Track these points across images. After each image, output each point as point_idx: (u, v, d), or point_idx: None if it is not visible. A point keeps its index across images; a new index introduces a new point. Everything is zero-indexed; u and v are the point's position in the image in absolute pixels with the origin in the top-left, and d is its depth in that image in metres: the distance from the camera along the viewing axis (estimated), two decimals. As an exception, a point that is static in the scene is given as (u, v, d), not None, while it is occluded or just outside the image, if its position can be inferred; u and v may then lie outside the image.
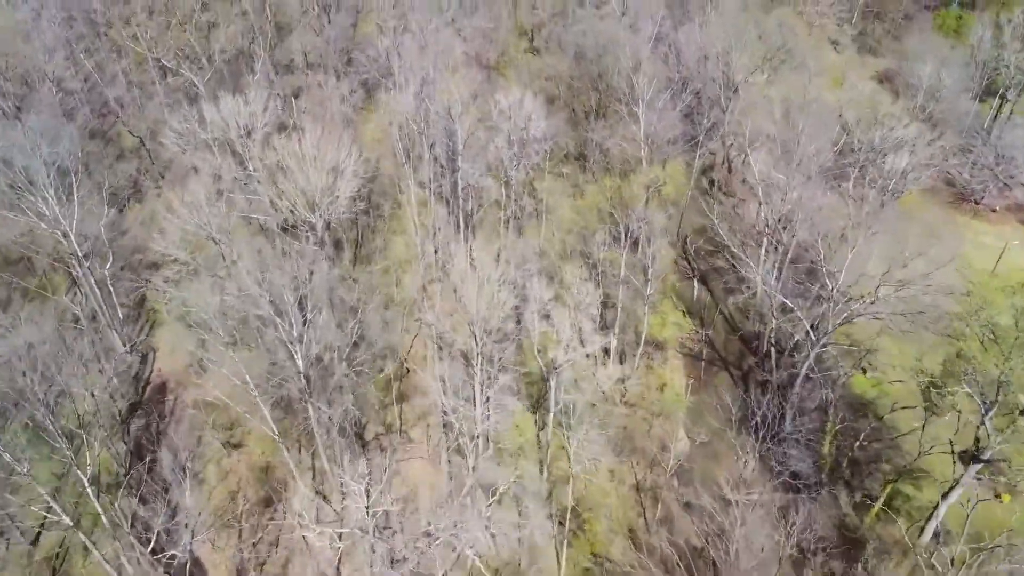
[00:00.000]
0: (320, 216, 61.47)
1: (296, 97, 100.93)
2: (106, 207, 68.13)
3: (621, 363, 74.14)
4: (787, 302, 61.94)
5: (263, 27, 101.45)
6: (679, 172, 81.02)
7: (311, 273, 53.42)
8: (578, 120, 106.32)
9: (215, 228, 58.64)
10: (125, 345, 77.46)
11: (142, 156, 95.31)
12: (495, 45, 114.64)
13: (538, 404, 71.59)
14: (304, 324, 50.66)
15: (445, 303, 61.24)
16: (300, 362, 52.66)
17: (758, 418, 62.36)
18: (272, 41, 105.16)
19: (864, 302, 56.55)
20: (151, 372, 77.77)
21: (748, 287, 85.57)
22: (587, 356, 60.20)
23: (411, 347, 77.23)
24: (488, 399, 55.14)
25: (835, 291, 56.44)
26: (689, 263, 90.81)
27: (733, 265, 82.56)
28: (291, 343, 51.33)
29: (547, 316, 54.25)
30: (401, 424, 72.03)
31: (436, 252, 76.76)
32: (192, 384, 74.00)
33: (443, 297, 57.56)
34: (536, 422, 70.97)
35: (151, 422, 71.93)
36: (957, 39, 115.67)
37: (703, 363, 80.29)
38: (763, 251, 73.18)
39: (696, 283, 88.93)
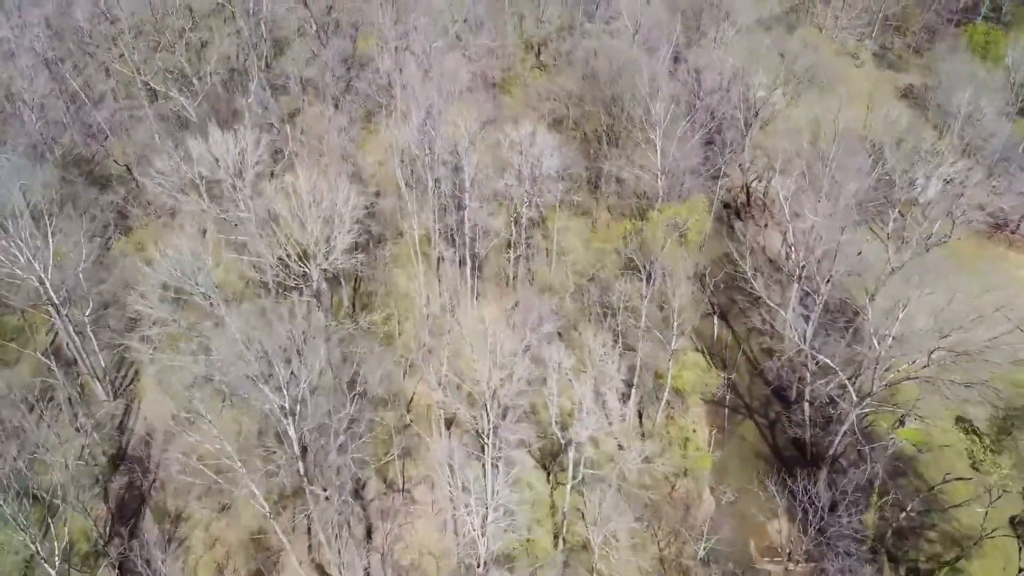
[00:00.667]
0: (316, 266, 56.33)
1: (293, 117, 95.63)
2: (84, 252, 62.83)
3: (640, 417, 68.96)
4: (826, 361, 56.63)
5: (258, 45, 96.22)
6: (699, 202, 75.74)
7: (304, 338, 48.20)
8: (589, 142, 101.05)
9: (199, 282, 53.52)
10: (108, 393, 72.34)
11: (129, 182, 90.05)
12: (501, 60, 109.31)
13: (551, 458, 66.43)
14: (298, 402, 45.53)
15: (453, 360, 55.94)
16: (294, 437, 47.47)
17: (798, 498, 56.91)
18: (268, 59, 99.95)
19: (914, 363, 51.30)
20: (136, 421, 72.64)
21: (772, 326, 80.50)
22: (610, 424, 54.99)
23: (413, 396, 72.20)
24: (498, 470, 49.90)
25: (880, 352, 51.14)
26: (708, 298, 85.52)
27: (756, 299, 77.43)
28: (284, 418, 46.15)
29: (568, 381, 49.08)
30: (404, 482, 66.86)
31: (442, 295, 71.61)
32: (179, 436, 68.95)
33: (449, 360, 52.46)
34: (549, 480, 65.77)
35: (135, 479, 66.78)
36: (985, 55, 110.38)
37: (727, 410, 75.18)
38: (793, 296, 67.84)
39: (716, 319, 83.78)
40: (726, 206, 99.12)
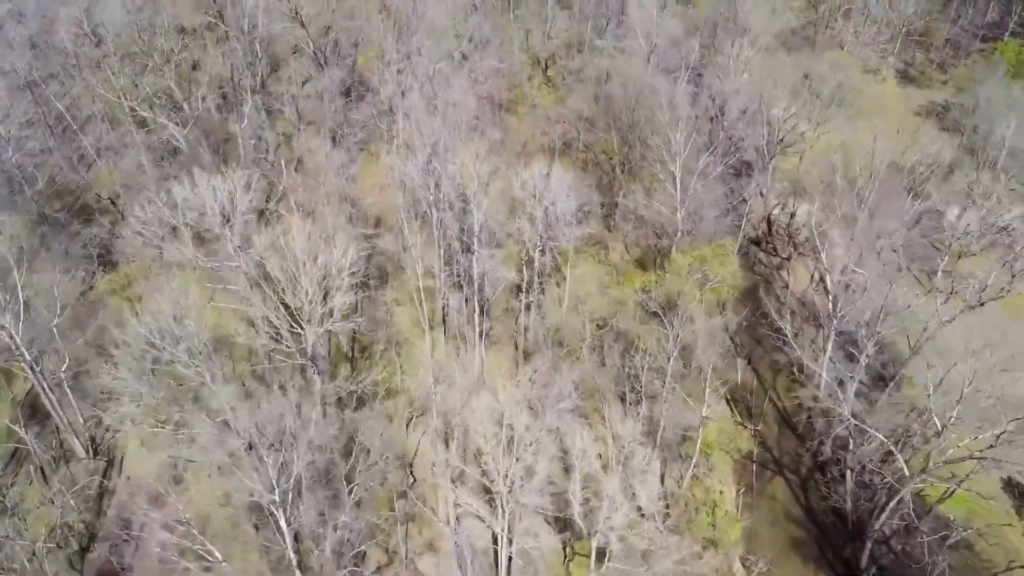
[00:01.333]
0: (311, 330, 50.99)
1: (289, 140, 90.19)
2: (58, 305, 57.55)
3: (662, 479, 63.66)
4: (874, 432, 51.26)
5: (253, 64, 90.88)
6: (726, 245, 70.31)
7: (298, 412, 42.89)
8: (601, 168, 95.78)
9: (181, 351, 48.28)
10: (87, 451, 67.05)
11: (115, 214, 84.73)
12: (507, 78, 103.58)
13: (565, 524, 61.15)
14: (288, 493, 40.28)
15: (463, 429, 50.71)
16: (285, 530, 42.17)
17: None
18: (263, 77, 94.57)
19: (976, 439, 45.99)
20: (117, 482, 67.31)
21: (802, 370, 75.09)
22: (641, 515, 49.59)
23: (416, 451, 66.94)
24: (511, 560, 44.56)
25: (942, 430, 45.79)
26: (731, 338, 80.00)
27: (782, 340, 72.09)
28: (274, 511, 40.89)
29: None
30: (407, 552, 61.56)
31: (447, 342, 66.31)
32: (165, 497, 63.68)
33: (460, 434, 47.35)
34: (565, 551, 60.40)
35: (114, 550, 61.43)
36: (1017, 73, 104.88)
37: (755, 465, 69.83)
38: (829, 348, 62.41)
39: (739, 361, 78.35)
40: (756, 243, 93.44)
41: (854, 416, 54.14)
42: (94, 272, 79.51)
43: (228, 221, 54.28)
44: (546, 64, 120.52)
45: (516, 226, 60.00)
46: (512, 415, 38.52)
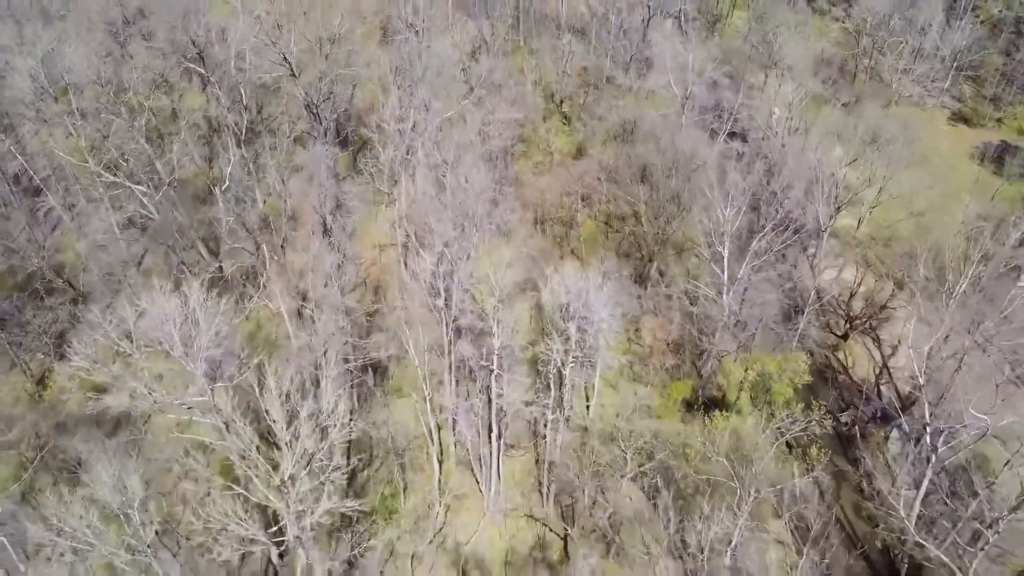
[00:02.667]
0: (292, 526, 40.51)
1: (268, 222, 78.69)
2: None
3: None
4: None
5: (234, 105, 79.92)
6: (798, 358, 59.56)
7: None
8: (626, 222, 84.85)
9: (130, 544, 37.89)
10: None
11: (77, 287, 74.01)
12: (520, 113, 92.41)
13: None
14: None
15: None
16: None
17: None
18: (249, 121, 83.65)
19: None
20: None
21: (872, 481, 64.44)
22: None
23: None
24: None
25: None
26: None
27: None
28: None
29: None
30: None
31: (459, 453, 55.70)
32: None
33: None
34: None
35: None
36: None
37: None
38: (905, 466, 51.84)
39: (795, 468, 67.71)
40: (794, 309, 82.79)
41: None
42: (48, 368, 69.03)
43: (188, 351, 43.72)
44: (561, 101, 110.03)
45: (544, 347, 49.52)
46: None
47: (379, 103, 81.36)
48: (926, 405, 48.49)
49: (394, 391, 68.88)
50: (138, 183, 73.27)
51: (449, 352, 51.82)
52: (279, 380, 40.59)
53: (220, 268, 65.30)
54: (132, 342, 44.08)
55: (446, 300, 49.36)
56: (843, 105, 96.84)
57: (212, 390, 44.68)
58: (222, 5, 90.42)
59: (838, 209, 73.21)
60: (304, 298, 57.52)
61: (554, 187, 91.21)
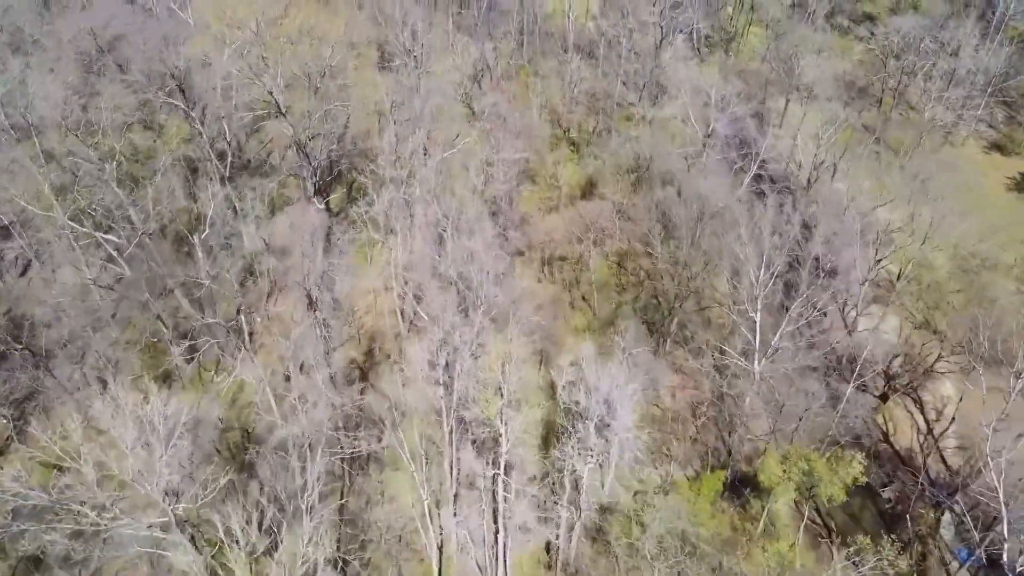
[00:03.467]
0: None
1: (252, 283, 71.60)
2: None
3: None
4: None
5: (217, 141, 73.31)
6: (853, 460, 52.57)
7: None
8: (640, 264, 78.16)
9: None
10: None
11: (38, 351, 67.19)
12: (526, 142, 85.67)
13: None
14: None
15: None
16: None
17: None
18: (234, 158, 76.93)
19: None
20: None
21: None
22: None
23: None
24: None
25: None
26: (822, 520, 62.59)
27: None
28: None
29: None
30: None
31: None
32: None
33: None
34: None
35: None
36: None
37: None
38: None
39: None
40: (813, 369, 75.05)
41: None
42: (9, 438, 62.68)
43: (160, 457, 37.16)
44: (567, 129, 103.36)
45: (556, 453, 42.92)
46: None
47: (375, 134, 74.84)
48: (1005, 523, 41.76)
49: (389, 462, 62.52)
50: (108, 231, 66.76)
51: (451, 450, 45.15)
52: (246, 516, 34.05)
53: (192, 348, 58.79)
54: (79, 460, 37.54)
55: (446, 388, 42.77)
56: (875, 140, 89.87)
57: (172, 512, 38.13)
58: (203, 33, 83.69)
59: (878, 261, 66.43)
60: (287, 379, 50.96)
61: (561, 226, 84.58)
